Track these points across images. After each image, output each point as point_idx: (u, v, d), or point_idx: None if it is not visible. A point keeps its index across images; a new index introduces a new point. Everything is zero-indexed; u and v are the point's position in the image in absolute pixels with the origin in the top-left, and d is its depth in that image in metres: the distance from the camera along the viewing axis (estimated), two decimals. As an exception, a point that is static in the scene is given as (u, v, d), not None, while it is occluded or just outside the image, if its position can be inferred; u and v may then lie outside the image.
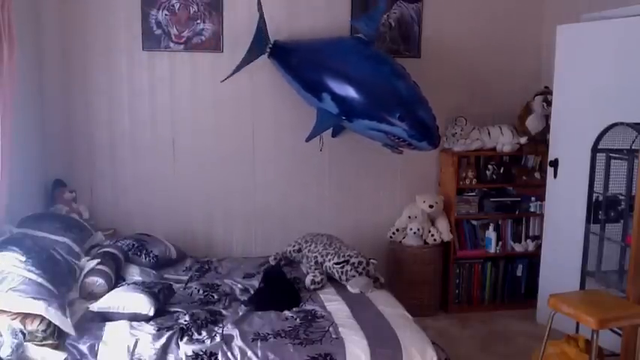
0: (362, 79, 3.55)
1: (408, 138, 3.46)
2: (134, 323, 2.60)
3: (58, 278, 2.69)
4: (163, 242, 3.64)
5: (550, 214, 3.96)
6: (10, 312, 2.40)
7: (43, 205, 3.76)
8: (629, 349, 2.96)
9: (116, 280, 3.05)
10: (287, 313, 2.83)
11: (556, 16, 4.13)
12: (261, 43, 3.86)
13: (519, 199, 4.28)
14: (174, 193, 4.07)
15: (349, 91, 3.56)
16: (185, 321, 2.63)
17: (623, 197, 3.18)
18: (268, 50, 3.88)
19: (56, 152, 3.88)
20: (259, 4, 3.75)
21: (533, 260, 4.21)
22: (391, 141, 3.60)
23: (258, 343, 2.49)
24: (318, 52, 3.85)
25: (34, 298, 2.41)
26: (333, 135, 4.17)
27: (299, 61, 3.86)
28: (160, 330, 2.55)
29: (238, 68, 3.82)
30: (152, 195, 4.04)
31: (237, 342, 2.49)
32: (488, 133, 4.14)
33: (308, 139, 3.82)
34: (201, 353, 2.41)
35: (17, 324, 2.36)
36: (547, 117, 4.07)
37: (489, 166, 4.21)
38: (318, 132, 3.84)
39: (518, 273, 4.29)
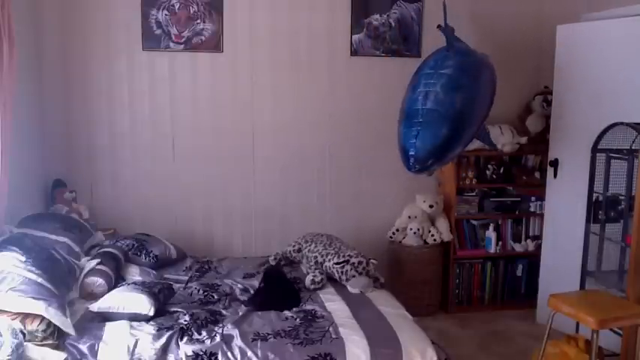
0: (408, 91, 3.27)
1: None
2: (134, 323, 2.60)
3: (58, 278, 2.68)
4: (163, 242, 3.64)
5: (550, 214, 3.96)
6: (10, 312, 2.40)
7: (43, 205, 3.76)
8: (629, 349, 2.96)
9: (116, 280, 3.05)
10: (287, 313, 2.83)
11: (556, 16, 4.13)
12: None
13: (519, 199, 4.28)
14: (174, 192, 4.07)
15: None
16: (185, 321, 2.63)
17: (623, 197, 3.18)
18: None
19: (56, 152, 3.88)
20: (445, 18, 3.56)
21: (533, 260, 4.20)
22: None
23: (258, 343, 2.48)
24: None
25: (34, 298, 2.41)
26: None
27: None
28: (160, 330, 2.55)
29: None
30: (152, 195, 4.04)
31: (237, 342, 2.49)
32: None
33: None
34: (201, 353, 2.41)
35: (17, 324, 2.36)
36: (547, 117, 4.07)
37: (489, 166, 4.21)
38: None
39: (518, 273, 4.29)
